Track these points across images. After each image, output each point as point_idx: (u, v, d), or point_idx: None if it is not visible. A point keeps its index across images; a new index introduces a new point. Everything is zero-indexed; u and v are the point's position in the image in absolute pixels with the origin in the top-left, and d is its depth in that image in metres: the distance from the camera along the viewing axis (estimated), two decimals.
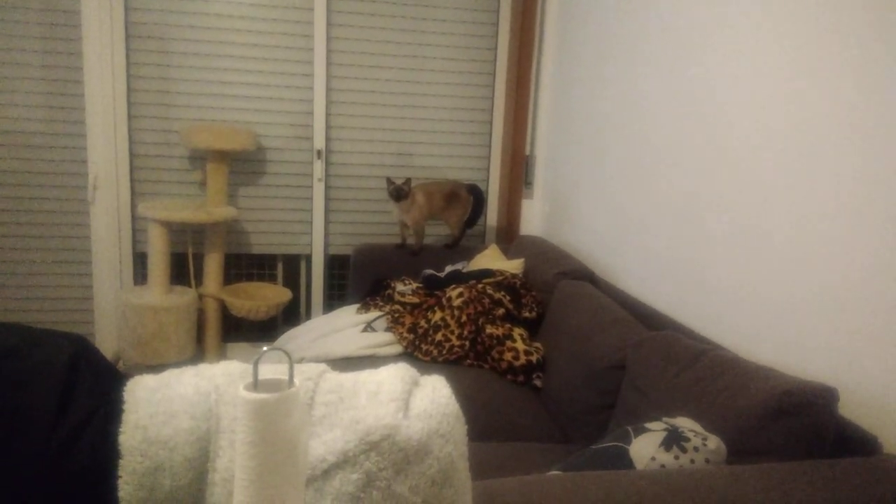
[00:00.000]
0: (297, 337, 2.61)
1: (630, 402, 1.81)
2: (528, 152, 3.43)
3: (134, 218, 3.26)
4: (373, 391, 0.87)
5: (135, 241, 3.28)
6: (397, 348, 2.41)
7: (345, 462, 0.81)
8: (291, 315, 3.50)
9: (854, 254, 1.44)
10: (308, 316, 3.50)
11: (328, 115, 3.34)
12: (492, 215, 3.59)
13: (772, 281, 1.69)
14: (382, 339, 2.42)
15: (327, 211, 3.42)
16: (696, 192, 2.04)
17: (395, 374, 0.90)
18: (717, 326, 1.92)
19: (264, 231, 3.38)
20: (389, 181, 3.02)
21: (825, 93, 1.53)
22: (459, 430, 0.87)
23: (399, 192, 3.01)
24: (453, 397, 0.89)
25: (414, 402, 0.87)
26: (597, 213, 2.77)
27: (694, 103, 2.07)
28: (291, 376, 0.69)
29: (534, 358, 2.33)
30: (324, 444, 0.83)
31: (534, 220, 3.50)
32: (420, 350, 2.38)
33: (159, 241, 2.96)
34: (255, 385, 0.67)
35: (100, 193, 3.18)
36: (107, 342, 3.28)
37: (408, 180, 3.03)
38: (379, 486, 0.81)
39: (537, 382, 2.30)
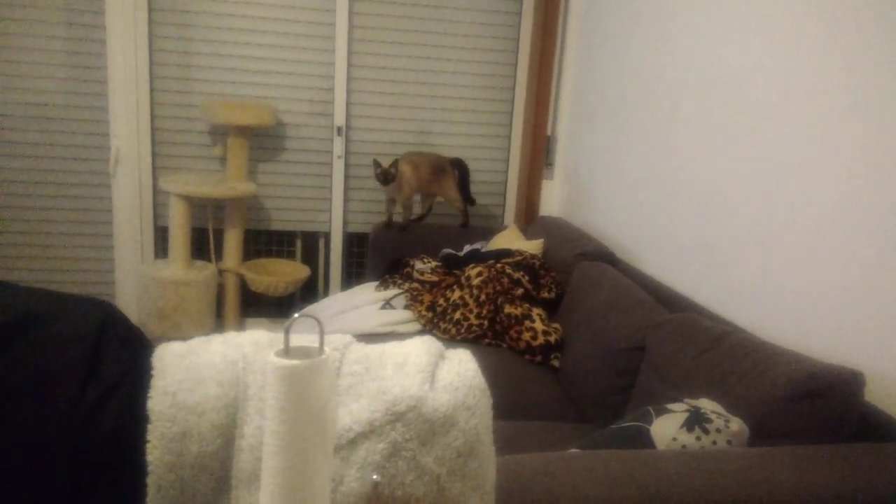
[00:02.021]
0: (318, 311, 2.63)
1: (649, 384, 1.80)
2: (549, 132, 3.40)
3: (155, 192, 3.27)
4: (399, 363, 0.87)
5: (156, 215, 3.30)
6: (416, 326, 2.41)
7: (371, 432, 0.82)
8: (309, 292, 3.51)
9: (882, 238, 1.42)
10: (326, 293, 3.51)
11: (349, 91, 3.32)
12: (511, 195, 3.57)
13: (797, 264, 1.67)
14: (401, 317, 2.42)
15: (347, 188, 3.41)
16: (720, 175, 2.01)
17: (422, 347, 0.90)
18: (739, 309, 1.90)
19: (284, 208, 3.39)
20: (376, 164, 2.98)
21: (853, 80, 1.49)
22: (485, 403, 0.87)
23: (386, 177, 2.97)
24: (479, 371, 0.89)
25: (440, 375, 0.87)
26: (618, 194, 2.74)
27: (721, 87, 2.03)
28: (322, 344, 0.69)
29: (552, 338, 2.32)
30: (350, 413, 0.83)
31: (554, 200, 3.47)
32: (438, 328, 2.39)
33: (180, 215, 2.98)
34: (287, 351, 0.67)
35: (121, 167, 3.20)
36: (128, 315, 3.31)
37: (395, 161, 2.99)
38: (404, 456, 0.81)
39: (555, 363, 2.29)
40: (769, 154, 1.80)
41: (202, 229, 3.24)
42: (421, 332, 2.38)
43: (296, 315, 0.66)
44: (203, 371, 0.84)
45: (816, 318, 1.60)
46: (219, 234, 3.23)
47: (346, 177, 3.40)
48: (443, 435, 0.82)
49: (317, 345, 0.70)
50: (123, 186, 3.22)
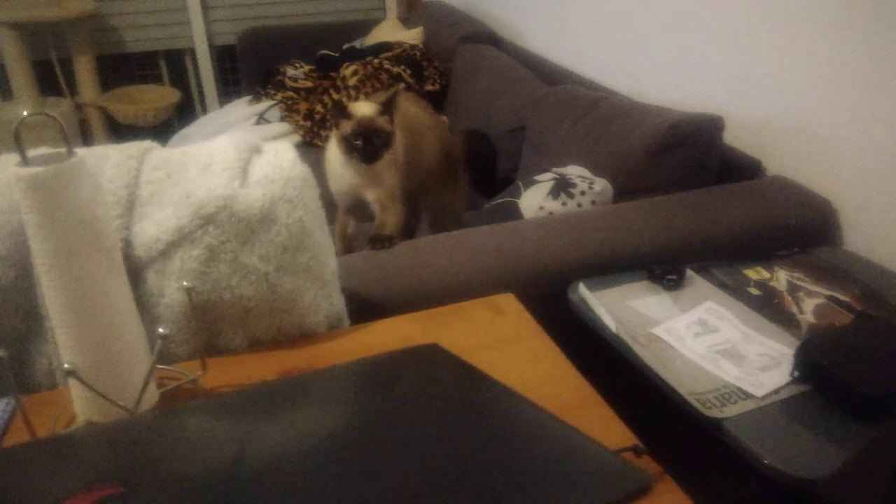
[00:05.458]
0: (189, 137, 2.45)
1: (530, 162, 1.78)
2: None
3: None
4: (204, 163, 0.79)
5: None
6: (296, 138, 2.28)
7: (182, 239, 0.75)
8: (187, 117, 3.26)
9: None
10: (205, 114, 3.27)
11: None
12: None
13: (667, 27, 1.60)
14: (278, 130, 2.28)
15: None
16: None
17: (229, 144, 0.81)
18: (617, 75, 1.85)
19: (136, 25, 3.01)
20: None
21: None
22: (308, 193, 0.80)
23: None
24: (299, 161, 0.81)
25: (253, 170, 0.79)
26: None
27: None
28: (69, 145, 0.59)
29: None
30: (155, 223, 0.76)
31: None
32: (319, 137, 2.27)
33: (13, 47, 2.61)
34: (25, 159, 0.57)
35: None
36: None
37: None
38: (225, 258, 0.75)
39: None
40: None
41: (48, 62, 2.87)
42: (301, 144, 2.26)
43: (24, 113, 0.56)
44: None
45: (682, 71, 1.57)
46: (68, 66, 2.88)
47: None
48: (263, 232, 0.76)
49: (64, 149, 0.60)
50: None
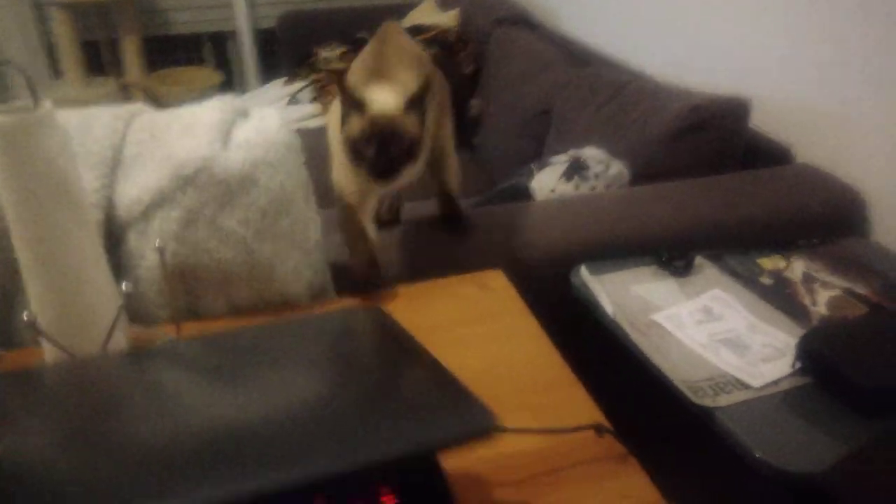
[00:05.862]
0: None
1: (553, 146, 1.74)
2: None
3: (35, 6, 2.93)
4: (187, 125, 0.78)
5: (43, 33, 2.99)
6: (325, 119, 2.29)
7: (162, 200, 0.75)
8: None
9: None
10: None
11: None
12: None
13: (699, 5, 1.54)
14: (308, 112, 2.29)
15: None
16: None
17: (214, 106, 0.81)
18: (649, 58, 1.79)
19: (181, 7, 3.07)
20: None
21: None
22: (292, 159, 0.79)
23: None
24: (284, 127, 0.80)
25: (237, 133, 0.79)
26: None
27: None
28: (35, 95, 0.59)
29: (471, 112, 2.22)
30: (137, 184, 0.76)
31: None
32: None
33: (64, 27, 2.69)
34: None
35: None
36: None
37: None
38: (203, 221, 0.75)
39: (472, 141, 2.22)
40: None
41: (96, 42, 2.95)
42: None
43: None
44: None
45: (715, 53, 1.50)
46: (115, 46, 2.95)
47: None
48: (243, 195, 0.75)
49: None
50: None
